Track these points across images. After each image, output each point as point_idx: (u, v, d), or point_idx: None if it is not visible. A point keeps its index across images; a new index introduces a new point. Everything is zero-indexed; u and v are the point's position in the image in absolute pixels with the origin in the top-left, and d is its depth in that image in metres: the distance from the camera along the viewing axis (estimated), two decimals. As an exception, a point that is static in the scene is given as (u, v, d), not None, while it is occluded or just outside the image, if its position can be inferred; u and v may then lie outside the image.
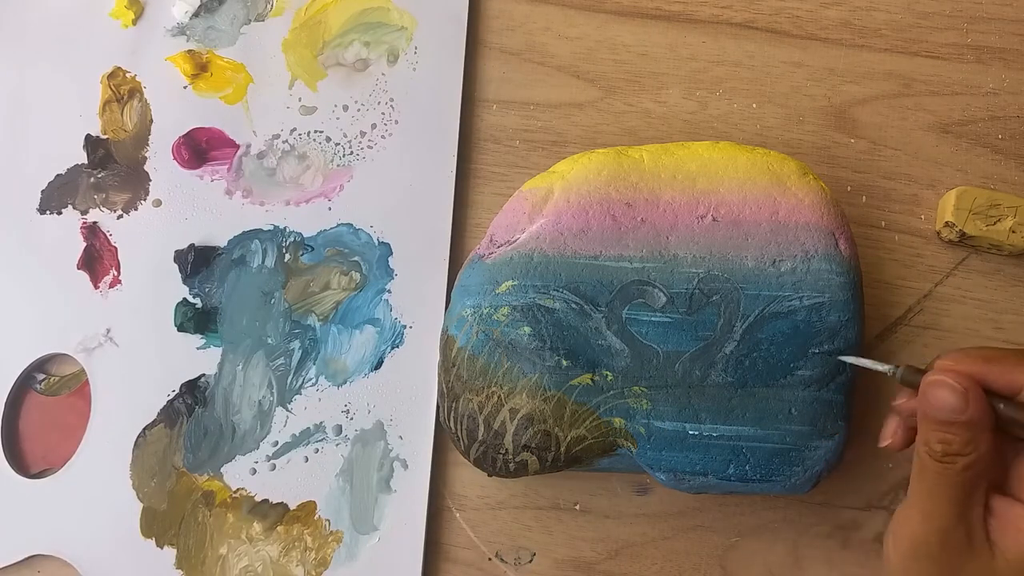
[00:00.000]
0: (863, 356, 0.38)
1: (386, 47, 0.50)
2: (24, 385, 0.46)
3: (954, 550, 0.32)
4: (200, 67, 0.49)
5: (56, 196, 0.47)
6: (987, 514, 0.33)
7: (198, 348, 0.45)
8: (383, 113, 0.48)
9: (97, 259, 0.47)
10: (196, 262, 0.46)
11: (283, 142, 0.48)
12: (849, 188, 0.48)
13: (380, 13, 0.50)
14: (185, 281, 0.46)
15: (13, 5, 0.50)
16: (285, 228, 0.47)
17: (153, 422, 0.44)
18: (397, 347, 0.45)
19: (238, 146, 0.48)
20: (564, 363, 0.39)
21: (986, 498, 0.33)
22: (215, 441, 0.44)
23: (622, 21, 0.50)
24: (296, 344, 0.45)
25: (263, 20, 0.50)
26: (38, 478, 0.44)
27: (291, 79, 0.49)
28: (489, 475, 0.40)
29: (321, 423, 0.44)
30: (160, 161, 0.48)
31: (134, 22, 0.50)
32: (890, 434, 0.37)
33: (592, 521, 0.44)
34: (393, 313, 0.46)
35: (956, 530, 0.32)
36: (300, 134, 0.48)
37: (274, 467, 0.44)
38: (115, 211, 0.47)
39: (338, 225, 0.47)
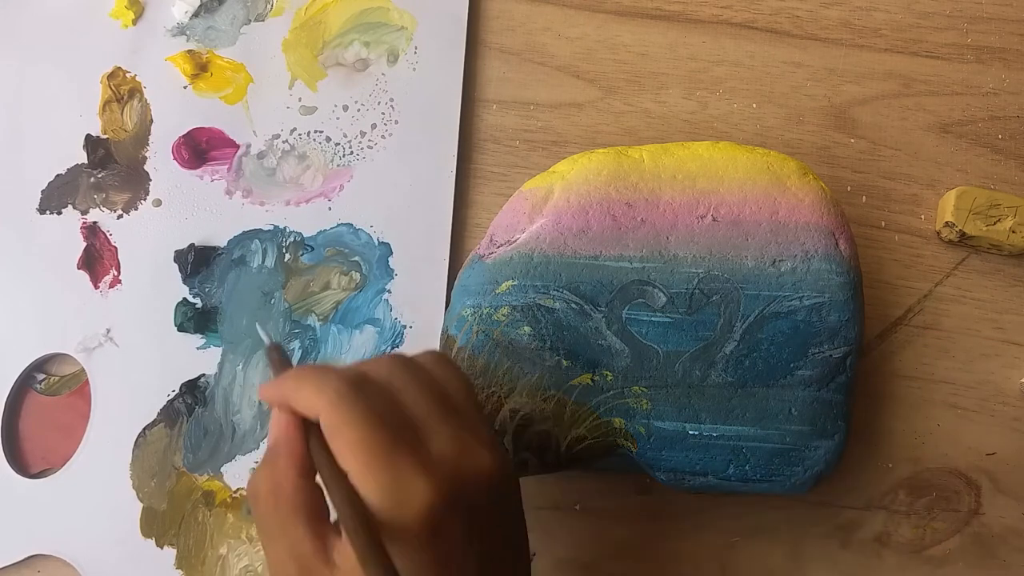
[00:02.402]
0: (863, 357, 0.38)
1: (386, 47, 0.50)
2: (24, 385, 0.46)
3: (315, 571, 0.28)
4: (200, 67, 0.49)
5: (56, 196, 0.47)
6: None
7: (198, 348, 0.45)
8: (383, 113, 0.48)
9: (97, 259, 0.47)
10: (196, 262, 0.46)
11: (283, 142, 0.48)
12: (849, 188, 0.48)
13: (380, 13, 0.50)
14: (185, 281, 0.46)
15: (13, 5, 0.50)
16: (285, 228, 0.47)
17: (153, 422, 0.44)
18: (397, 347, 0.45)
19: (238, 146, 0.48)
20: (564, 363, 0.39)
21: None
22: (215, 441, 0.44)
23: (622, 21, 0.50)
24: (296, 344, 0.45)
25: (263, 20, 0.50)
26: (38, 478, 0.44)
27: (291, 79, 0.49)
28: (489, 475, 0.40)
29: (321, 423, 0.44)
30: (160, 161, 0.48)
31: (134, 22, 0.50)
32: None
33: (592, 521, 0.44)
34: (393, 313, 0.46)
35: (310, 554, 0.28)
36: (300, 134, 0.48)
37: (274, 467, 0.44)
38: (115, 211, 0.47)
39: (338, 225, 0.47)
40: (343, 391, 0.28)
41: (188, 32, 0.50)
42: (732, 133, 0.49)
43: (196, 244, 0.46)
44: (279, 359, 0.33)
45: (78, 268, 0.46)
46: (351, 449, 0.27)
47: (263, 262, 0.46)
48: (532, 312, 0.39)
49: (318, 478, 0.29)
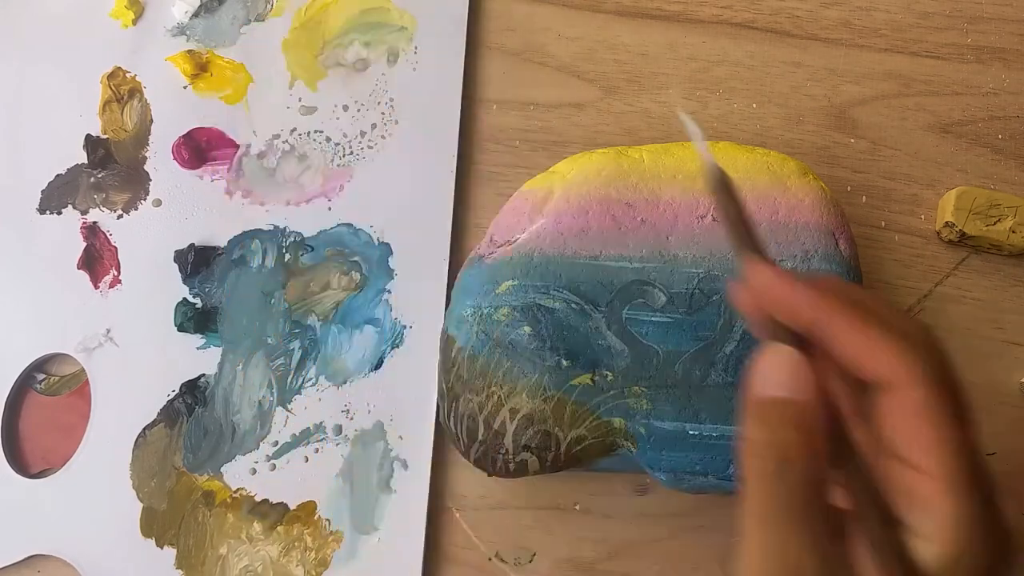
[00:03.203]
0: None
1: (386, 47, 0.50)
2: (24, 385, 0.46)
3: None
4: (200, 67, 0.49)
5: (56, 196, 0.47)
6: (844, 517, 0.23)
7: (198, 348, 0.45)
8: (383, 113, 0.48)
9: (97, 259, 0.47)
10: (196, 262, 0.46)
11: (283, 142, 0.48)
12: (849, 188, 0.48)
13: (380, 13, 0.50)
14: (185, 281, 0.46)
15: (13, 5, 0.50)
16: (285, 228, 0.47)
17: (153, 422, 0.44)
18: (397, 347, 0.45)
19: (238, 146, 0.48)
20: (564, 363, 0.39)
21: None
22: (215, 441, 0.44)
23: (622, 21, 0.50)
24: (296, 344, 0.45)
25: (263, 20, 0.50)
26: (38, 478, 0.44)
27: (291, 79, 0.49)
28: (489, 475, 0.40)
29: (321, 423, 0.44)
30: (160, 161, 0.48)
31: (134, 22, 0.50)
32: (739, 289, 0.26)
33: (592, 521, 0.44)
34: (393, 313, 0.46)
35: (800, 556, 0.22)
36: (300, 134, 0.48)
37: (274, 467, 0.44)
38: (115, 211, 0.47)
39: (338, 225, 0.47)
40: (945, 361, 0.22)
41: (188, 32, 0.50)
42: (732, 133, 0.49)
43: (196, 244, 0.46)
44: (739, 216, 0.25)
45: (78, 268, 0.46)
46: (952, 454, 0.21)
47: (263, 262, 0.46)
48: (532, 312, 0.39)
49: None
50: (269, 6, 0.50)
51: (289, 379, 0.45)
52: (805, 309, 0.23)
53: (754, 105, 0.49)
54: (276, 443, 0.44)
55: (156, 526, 0.43)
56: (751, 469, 0.23)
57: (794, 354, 0.23)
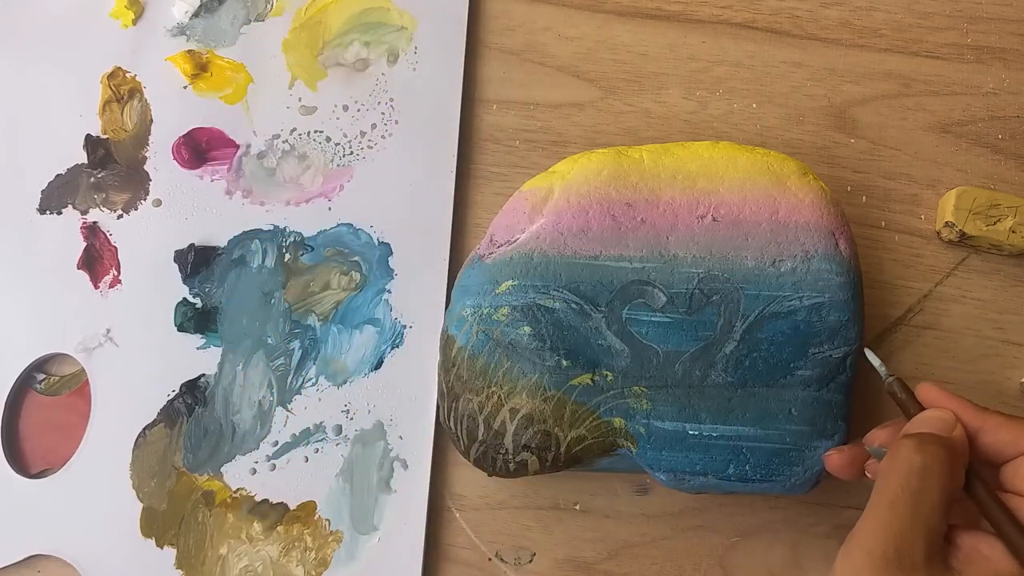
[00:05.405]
0: (863, 357, 0.38)
1: (386, 47, 0.50)
2: (24, 385, 0.46)
3: (909, 566, 0.30)
4: (200, 67, 0.49)
5: (56, 196, 0.47)
6: (949, 547, 0.32)
7: (198, 348, 0.45)
8: (383, 113, 0.48)
9: (97, 259, 0.47)
10: (196, 262, 0.46)
11: (283, 142, 0.48)
12: (849, 188, 0.48)
13: (380, 13, 0.50)
14: (185, 281, 0.46)
15: (13, 5, 0.50)
16: (285, 228, 0.47)
17: (153, 422, 0.44)
18: (397, 347, 0.45)
19: (238, 146, 0.48)
20: (564, 363, 0.39)
21: (950, 533, 0.32)
22: (215, 441, 0.44)
23: (622, 21, 0.50)
24: (296, 344, 0.45)
25: (263, 20, 0.50)
26: (38, 478, 0.44)
27: (291, 79, 0.49)
28: (489, 475, 0.40)
29: (321, 423, 0.44)
30: (160, 161, 0.48)
31: (134, 22, 0.50)
32: (836, 451, 0.38)
33: (592, 521, 0.44)
34: (393, 313, 0.46)
35: (914, 544, 0.31)
36: (300, 134, 0.48)
37: (274, 467, 0.44)
38: (115, 211, 0.47)
39: (338, 225, 0.47)
40: None
41: (188, 32, 0.50)
42: (732, 133, 0.49)
43: (196, 244, 0.46)
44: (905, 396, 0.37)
45: (78, 268, 0.46)
46: None
47: (263, 262, 0.46)
48: (532, 312, 0.39)
49: None
50: (269, 6, 0.50)
51: (289, 379, 0.45)
52: (975, 417, 0.35)
53: (754, 105, 0.49)
54: (276, 443, 0.44)
55: (156, 526, 0.43)
56: (900, 463, 0.32)
57: (951, 414, 0.35)
